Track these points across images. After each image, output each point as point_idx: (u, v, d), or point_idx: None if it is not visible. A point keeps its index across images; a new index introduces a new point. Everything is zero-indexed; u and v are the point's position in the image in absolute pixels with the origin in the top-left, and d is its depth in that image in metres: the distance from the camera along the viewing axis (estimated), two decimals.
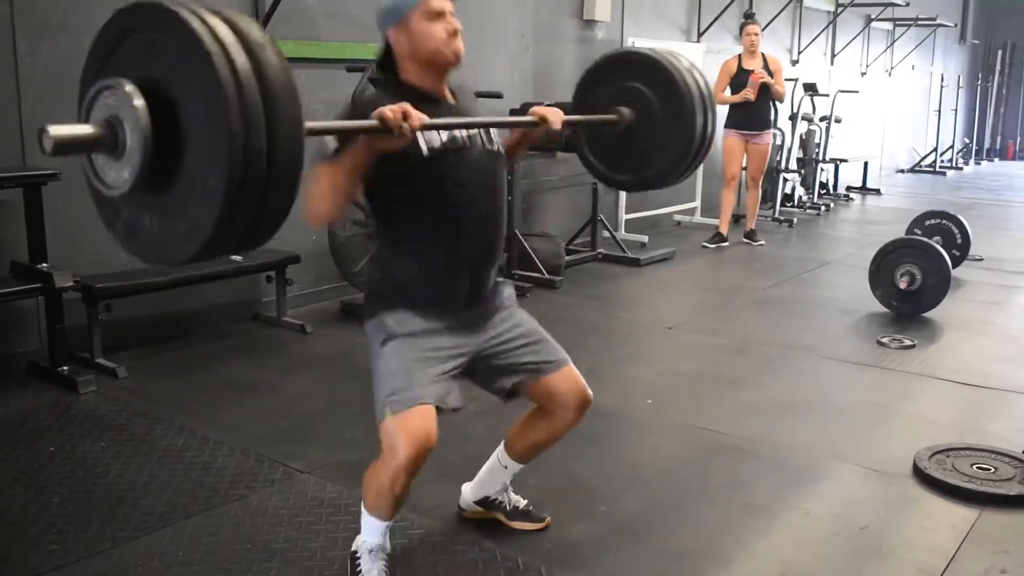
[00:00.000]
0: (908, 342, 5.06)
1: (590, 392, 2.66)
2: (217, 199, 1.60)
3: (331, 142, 2.17)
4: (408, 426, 2.27)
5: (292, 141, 1.69)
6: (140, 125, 1.61)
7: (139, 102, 1.61)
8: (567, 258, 6.65)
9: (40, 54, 4.25)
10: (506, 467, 2.86)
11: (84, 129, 1.65)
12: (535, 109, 2.60)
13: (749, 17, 7.94)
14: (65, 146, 1.62)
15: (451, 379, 2.42)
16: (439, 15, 2.37)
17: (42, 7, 4.25)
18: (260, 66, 1.63)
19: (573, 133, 3.01)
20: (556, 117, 2.56)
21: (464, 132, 2.42)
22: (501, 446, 2.86)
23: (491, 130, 2.51)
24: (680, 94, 2.80)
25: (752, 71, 7.66)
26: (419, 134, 2.25)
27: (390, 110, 2.09)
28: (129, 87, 1.63)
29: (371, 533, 2.51)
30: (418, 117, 2.13)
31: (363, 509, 2.51)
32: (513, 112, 6.59)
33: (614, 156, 2.96)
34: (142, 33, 1.70)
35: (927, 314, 5.60)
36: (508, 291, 2.65)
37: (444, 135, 2.37)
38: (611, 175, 3.03)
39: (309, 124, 1.82)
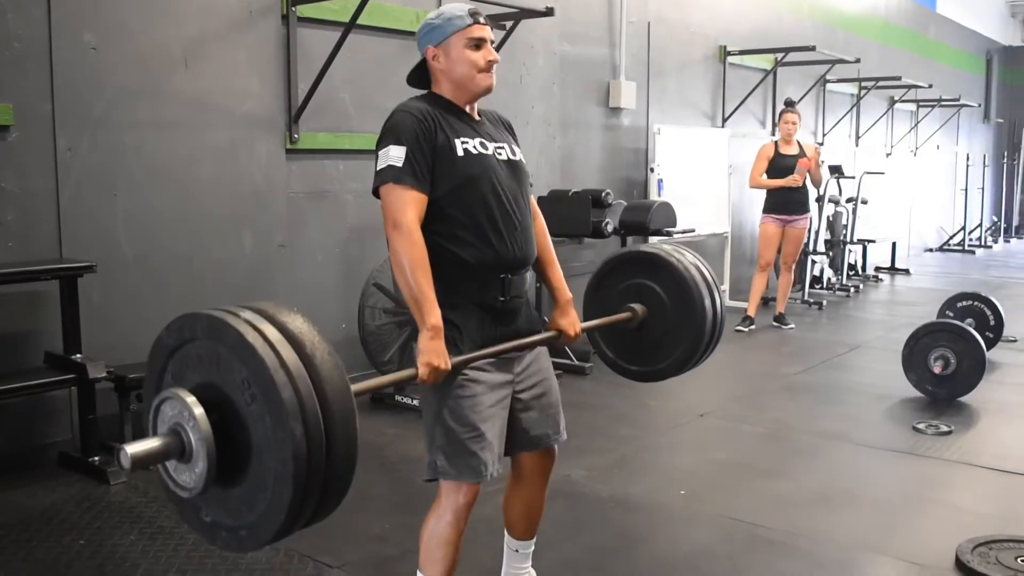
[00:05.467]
0: (945, 428, 4.98)
1: (554, 455, 2.78)
2: (285, 497, 1.73)
3: (397, 157, 2.36)
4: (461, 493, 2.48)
5: (347, 425, 1.80)
6: (202, 433, 1.75)
7: (199, 411, 1.75)
8: (592, 349, 6.60)
9: (80, 149, 4.36)
10: (516, 550, 2.87)
11: (155, 443, 1.79)
12: (552, 323, 2.73)
13: (789, 104, 7.99)
14: (142, 461, 1.77)
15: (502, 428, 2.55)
16: (480, 44, 2.50)
17: (83, 103, 4.37)
18: (310, 361, 1.76)
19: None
20: (572, 328, 2.71)
21: (490, 147, 2.54)
22: (505, 532, 2.90)
23: (515, 147, 2.63)
24: (690, 294, 2.90)
25: (791, 156, 7.72)
26: (458, 142, 2.45)
27: (425, 372, 2.30)
28: (190, 399, 1.77)
29: None
30: (445, 365, 2.32)
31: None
32: (541, 200, 6.67)
33: (626, 347, 3.07)
34: (199, 343, 1.83)
35: (963, 398, 5.52)
36: (536, 321, 2.72)
37: (475, 145, 2.49)
38: (622, 364, 3.11)
39: (355, 387, 1.94)
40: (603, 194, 6.57)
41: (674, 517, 3.86)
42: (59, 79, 4.26)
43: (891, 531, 3.69)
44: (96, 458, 4.16)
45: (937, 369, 5.48)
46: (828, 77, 11.00)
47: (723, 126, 9.34)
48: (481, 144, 2.51)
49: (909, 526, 3.77)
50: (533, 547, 2.89)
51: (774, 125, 9.86)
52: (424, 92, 2.60)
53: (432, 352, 2.31)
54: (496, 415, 2.50)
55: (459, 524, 2.54)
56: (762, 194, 8.04)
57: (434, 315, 2.33)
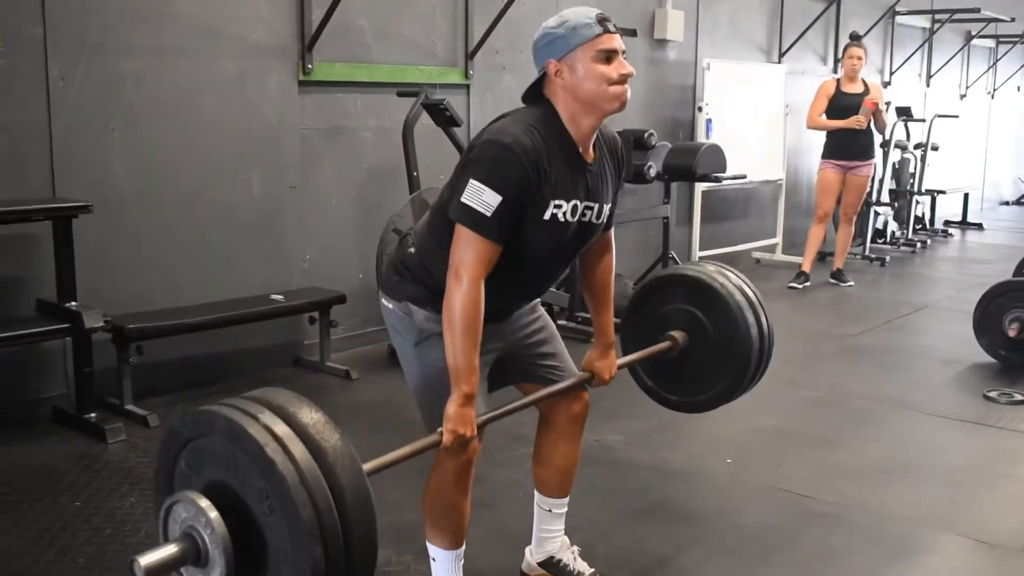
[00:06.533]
0: (1019, 397, 4.94)
1: (586, 403, 2.83)
2: None
3: (488, 206, 2.29)
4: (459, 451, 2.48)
5: (367, 548, 1.92)
6: (219, 538, 1.83)
7: (215, 515, 1.83)
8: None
9: (74, 78, 4.35)
10: (549, 509, 2.88)
11: (170, 550, 1.86)
12: (588, 363, 2.81)
13: (855, 38, 7.84)
14: (157, 572, 1.83)
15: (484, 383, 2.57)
16: (611, 56, 2.38)
17: (78, 27, 4.35)
18: (331, 471, 1.84)
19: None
20: (608, 372, 2.79)
21: (580, 210, 2.47)
22: (535, 492, 2.91)
23: (604, 205, 2.55)
24: (735, 324, 2.95)
25: (854, 95, 7.61)
26: (552, 205, 2.38)
27: (450, 439, 2.35)
28: (204, 503, 1.84)
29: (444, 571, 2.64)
30: (472, 433, 2.37)
31: (429, 547, 2.66)
32: None
33: (665, 376, 3.13)
34: (216, 439, 1.90)
35: None
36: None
37: (566, 211, 2.43)
38: (661, 393, 3.18)
39: (371, 464, 2.10)
40: (646, 135, 6.49)
41: (719, 487, 3.86)
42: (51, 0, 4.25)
43: (957, 507, 3.67)
44: (92, 414, 4.20)
45: (1012, 332, 5.41)
46: (898, 9, 10.80)
47: (780, 61, 9.20)
48: (573, 209, 2.44)
49: (978, 502, 3.74)
50: (566, 508, 2.90)
51: (836, 61, 9.71)
52: (540, 110, 2.43)
53: (460, 420, 2.35)
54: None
55: (462, 485, 2.55)
56: (821, 137, 7.93)
57: (470, 383, 2.35)
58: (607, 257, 2.75)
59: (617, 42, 2.39)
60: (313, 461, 1.81)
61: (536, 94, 2.46)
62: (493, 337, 2.55)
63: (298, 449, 1.81)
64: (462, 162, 2.39)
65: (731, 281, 2.99)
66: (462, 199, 2.31)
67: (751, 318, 2.94)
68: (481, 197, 2.28)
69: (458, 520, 2.60)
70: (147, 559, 1.82)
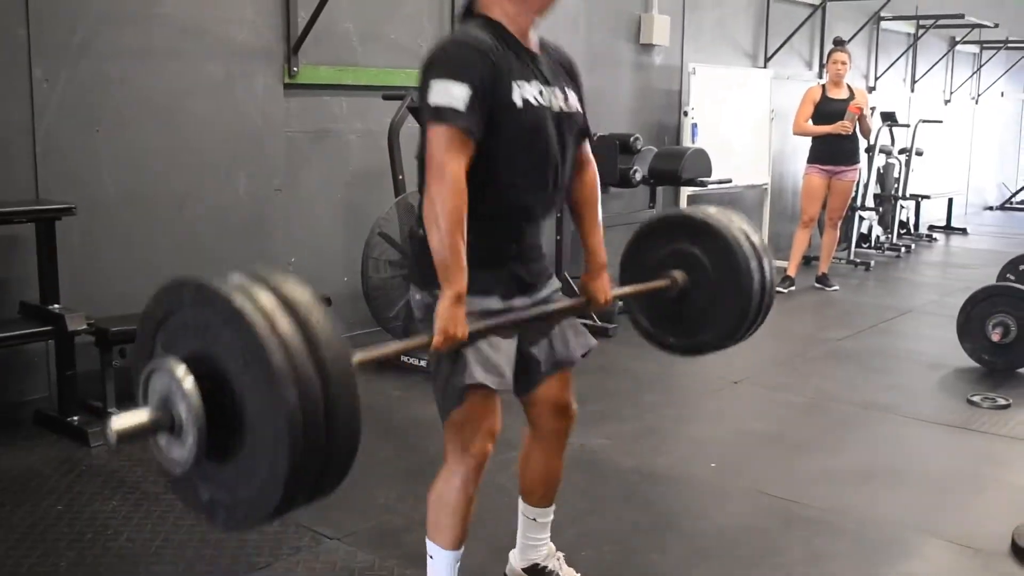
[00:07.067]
0: (1002, 401, 4.95)
1: (569, 399, 2.75)
2: (281, 469, 1.73)
3: (460, 99, 2.29)
4: (471, 417, 2.47)
5: (348, 397, 1.84)
6: (192, 406, 1.75)
7: (189, 381, 1.75)
8: (621, 303, 6.59)
9: (58, 79, 4.33)
10: (533, 518, 2.87)
11: (142, 417, 1.80)
12: (582, 288, 2.74)
13: (838, 43, 7.88)
14: (129, 437, 1.78)
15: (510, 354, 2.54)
16: None
17: (62, 28, 4.33)
18: (304, 324, 1.76)
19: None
20: (603, 295, 2.73)
21: (545, 95, 2.48)
22: (519, 501, 2.89)
23: (568, 92, 2.57)
24: (736, 259, 2.87)
25: (840, 100, 7.64)
26: (516, 86, 2.38)
27: (440, 340, 2.28)
28: (179, 370, 1.77)
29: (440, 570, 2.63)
30: (463, 334, 2.30)
31: (428, 544, 2.63)
32: None
33: (664, 318, 3.03)
34: (187, 310, 1.84)
35: (1023, 369, 5.48)
36: (554, 282, 2.72)
37: (533, 94, 2.43)
38: (658, 336, 3.08)
39: (357, 358, 1.98)
40: (632, 139, 6.51)
41: (704, 491, 3.86)
42: (35, 0, 4.22)
43: (941, 511, 3.68)
44: (75, 418, 4.18)
45: (996, 337, 5.44)
46: (883, 14, 10.84)
47: (765, 66, 9.23)
48: (539, 93, 2.45)
49: (962, 506, 3.75)
50: (551, 516, 2.89)
51: (822, 66, 9.74)
52: (477, 21, 2.48)
53: (451, 319, 2.29)
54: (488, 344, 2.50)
55: (468, 489, 2.55)
56: (806, 142, 7.96)
57: (460, 281, 2.31)
58: (589, 170, 2.73)
59: None
60: (286, 314, 1.75)
61: (469, 13, 2.51)
62: (534, 327, 2.58)
63: (269, 301, 1.76)
64: (421, 72, 2.40)
65: (734, 223, 2.91)
66: (431, 101, 2.32)
67: (754, 263, 2.86)
68: (450, 93, 2.29)
69: (462, 520, 2.59)
70: (119, 423, 1.77)
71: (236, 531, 1.93)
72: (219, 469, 1.83)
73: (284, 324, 1.73)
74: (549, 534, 2.91)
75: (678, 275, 2.91)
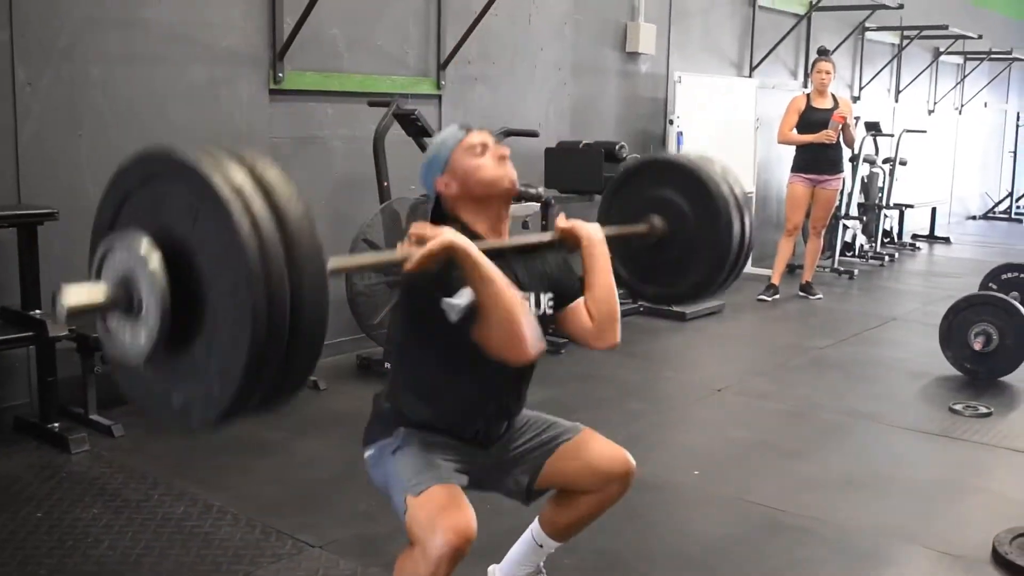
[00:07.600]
0: (984, 409, 4.97)
1: (629, 456, 2.65)
2: (242, 357, 1.63)
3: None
4: (441, 515, 2.23)
5: (317, 291, 1.72)
6: (157, 287, 1.65)
7: (155, 263, 1.65)
8: None
9: (40, 83, 4.31)
10: (542, 546, 2.79)
11: (98, 293, 1.70)
12: (559, 224, 2.60)
13: (822, 53, 7.92)
14: (80, 312, 1.68)
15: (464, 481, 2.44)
16: (482, 148, 2.45)
17: (46, 32, 4.31)
18: (278, 210, 1.68)
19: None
20: (579, 228, 2.59)
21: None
22: (536, 523, 2.79)
23: (542, 294, 2.54)
24: (716, 207, 2.82)
25: (824, 110, 7.67)
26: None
27: (412, 236, 2.16)
28: (144, 247, 1.67)
29: None
30: (461, 243, 2.17)
31: None
32: (549, 152, 6.62)
33: (641, 266, 2.99)
34: (155, 183, 1.75)
35: (1005, 378, 5.50)
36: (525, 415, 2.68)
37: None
38: (639, 286, 3.04)
39: (332, 264, 1.88)
40: (617, 147, 6.51)
41: (687, 499, 3.86)
42: (19, 3, 4.20)
43: (923, 519, 3.69)
44: (56, 424, 4.15)
45: (977, 346, 5.46)
46: (867, 24, 10.90)
47: (751, 76, 9.26)
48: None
49: (943, 514, 3.76)
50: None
51: (806, 76, 9.78)
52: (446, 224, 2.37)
53: (426, 225, 2.20)
54: (447, 459, 2.44)
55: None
56: (790, 151, 7.99)
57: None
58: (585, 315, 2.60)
59: (484, 136, 2.48)
60: (262, 196, 1.66)
61: (437, 216, 2.47)
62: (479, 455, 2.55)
63: (229, 164, 1.66)
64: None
65: (716, 171, 2.87)
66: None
67: (734, 207, 2.82)
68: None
69: None
70: (71, 296, 1.66)
71: (184, 431, 1.80)
72: (171, 358, 1.72)
73: (260, 209, 1.64)
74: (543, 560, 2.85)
75: (657, 221, 2.87)
